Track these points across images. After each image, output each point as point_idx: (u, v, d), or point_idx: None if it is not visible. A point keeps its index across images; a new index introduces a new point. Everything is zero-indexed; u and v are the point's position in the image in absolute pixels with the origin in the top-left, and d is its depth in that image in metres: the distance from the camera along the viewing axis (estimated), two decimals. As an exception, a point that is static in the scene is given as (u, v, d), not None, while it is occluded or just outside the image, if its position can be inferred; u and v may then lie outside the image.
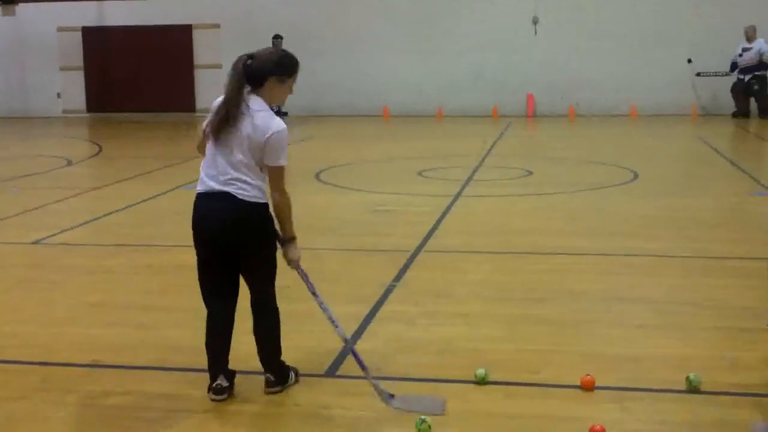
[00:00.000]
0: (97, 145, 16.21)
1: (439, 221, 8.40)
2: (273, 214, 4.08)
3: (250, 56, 4.02)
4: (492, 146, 14.44)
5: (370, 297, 5.80)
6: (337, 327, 4.27)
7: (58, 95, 22.52)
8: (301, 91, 21.74)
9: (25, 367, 4.73)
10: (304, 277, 4.25)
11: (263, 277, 4.17)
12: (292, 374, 4.34)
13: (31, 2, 22.24)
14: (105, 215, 9.02)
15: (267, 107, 4.04)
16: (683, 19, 19.66)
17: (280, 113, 20.07)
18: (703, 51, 19.61)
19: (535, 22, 20.11)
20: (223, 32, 21.51)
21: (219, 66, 21.64)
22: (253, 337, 4.25)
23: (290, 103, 20.64)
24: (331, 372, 4.54)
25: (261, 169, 4.02)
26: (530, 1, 20.09)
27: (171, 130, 19.28)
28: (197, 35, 21.81)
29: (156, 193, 10.21)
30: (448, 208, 9.03)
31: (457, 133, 17.48)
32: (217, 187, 3.99)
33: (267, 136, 3.94)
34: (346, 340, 4.32)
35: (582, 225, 8.30)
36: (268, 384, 4.25)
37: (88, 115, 22.36)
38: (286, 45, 20.45)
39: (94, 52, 22.24)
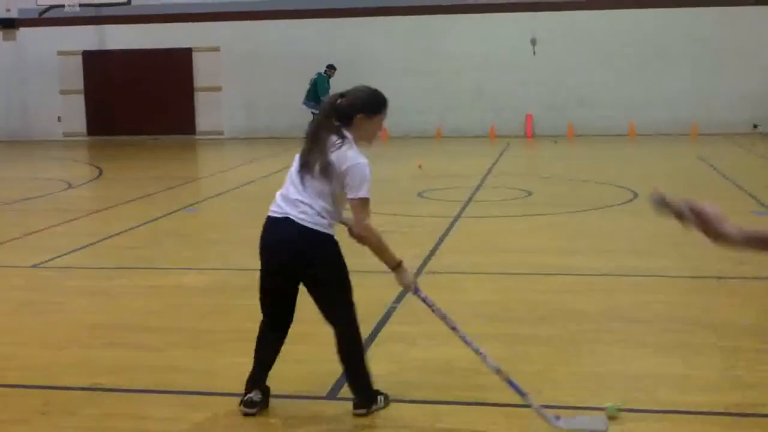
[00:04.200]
0: (98, 167, 16.23)
1: (439, 242, 8.40)
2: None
3: (342, 95, 4.15)
4: (492, 166, 14.47)
5: (371, 318, 5.77)
6: (485, 359, 4.11)
7: (59, 119, 22.57)
8: (301, 111, 21.67)
9: (26, 390, 4.72)
10: (428, 303, 4.16)
11: (328, 303, 4.22)
12: (381, 398, 4.30)
13: (31, 27, 22.33)
14: (105, 238, 9.02)
15: (351, 141, 4.07)
16: (682, 37, 19.76)
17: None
18: (702, 70, 19.71)
19: (533, 43, 20.18)
20: (223, 55, 21.61)
21: (218, 89, 21.75)
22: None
23: (289, 122, 20.70)
24: (333, 395, 4.52)
25: (337, 201, 4.07)
26: (528, 22, 20.18)
27: (171, 152, 19.32)
28: (197, 58, 21.91)
29: (156, 216, 10.22)
30: (449, 229, 9.03)
31: (456, 153, 17.50)
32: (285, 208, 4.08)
33: (346, 166, 3.99)
34: (498, 371, 4.08)
35: (582, 245, 8.30)
36: (354, 406, 4.27)
37: (88, 138, 22.41)
38: (286, 67, 20.59)
39: (94, 76, 22.32)
